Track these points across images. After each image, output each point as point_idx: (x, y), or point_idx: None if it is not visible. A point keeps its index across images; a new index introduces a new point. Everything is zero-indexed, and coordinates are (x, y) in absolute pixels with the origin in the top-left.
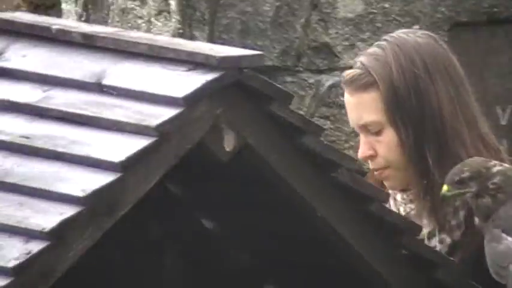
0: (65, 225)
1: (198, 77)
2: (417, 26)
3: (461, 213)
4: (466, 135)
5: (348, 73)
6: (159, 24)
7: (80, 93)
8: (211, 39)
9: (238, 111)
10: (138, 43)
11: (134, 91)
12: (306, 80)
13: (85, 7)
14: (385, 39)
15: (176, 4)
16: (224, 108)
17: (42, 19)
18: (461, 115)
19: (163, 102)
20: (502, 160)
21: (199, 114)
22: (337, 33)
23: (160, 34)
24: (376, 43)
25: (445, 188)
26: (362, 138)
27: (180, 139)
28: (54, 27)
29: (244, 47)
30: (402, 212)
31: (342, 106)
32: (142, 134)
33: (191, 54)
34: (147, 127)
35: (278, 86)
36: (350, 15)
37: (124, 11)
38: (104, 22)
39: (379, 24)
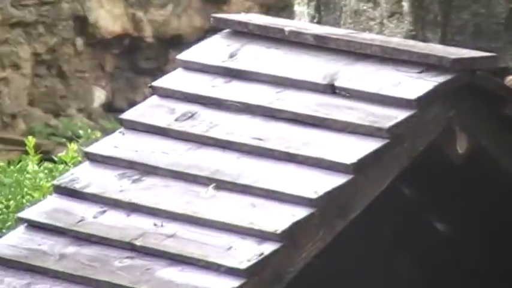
0: (297, 227)
1: (430, 79)
2: None
3: None
4: None
5: (509, 79)
6: (392, 26)
7: (312, 95)
8: (444, 41)
9: (471, 114)
10: (371, 45)
11: (367, 93)
12: None
13: (317, 9)
14: None
15: (409, 6)
16: (457, 110)
17: (275, 21)
18: None
19: (395, 104)
20: None
21: (432, 116)
22: None
23: (392, 36)
24: None
25: None
26: None
27: (412, 141)
28: (286, 29)
29: (478, 49)
30: None
31: None
32: (375, 136)
33: (424, 56)
34: (379, 129)
35: None
36: None
37: (356, 13)
38: (336, 24)
39: None
